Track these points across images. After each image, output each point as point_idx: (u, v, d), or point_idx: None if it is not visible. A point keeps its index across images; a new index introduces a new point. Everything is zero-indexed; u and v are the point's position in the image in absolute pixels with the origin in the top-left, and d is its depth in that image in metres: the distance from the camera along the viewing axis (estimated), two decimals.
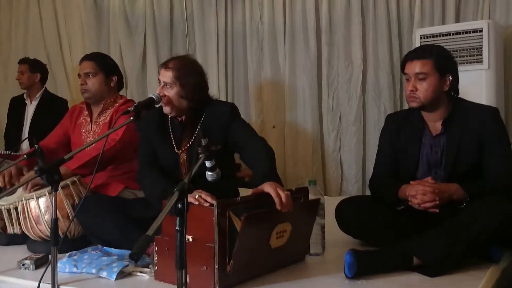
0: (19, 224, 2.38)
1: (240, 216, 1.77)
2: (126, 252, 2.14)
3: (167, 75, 2.21)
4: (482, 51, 3.26)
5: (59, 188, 2.17)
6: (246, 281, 1.86)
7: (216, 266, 1.74)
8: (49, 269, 1.80)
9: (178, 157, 2.28)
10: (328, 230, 2.25)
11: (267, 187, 1.86)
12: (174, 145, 2.30)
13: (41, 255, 2.14)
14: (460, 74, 2.29)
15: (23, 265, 2.08)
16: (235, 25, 4.46)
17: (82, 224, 2.31)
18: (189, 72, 2.23)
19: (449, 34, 3.35)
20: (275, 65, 4.28)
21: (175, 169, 2.29)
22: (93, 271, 1.98)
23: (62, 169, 2.23)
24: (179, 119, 2.30)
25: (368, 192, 2.64)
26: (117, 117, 2.37)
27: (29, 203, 2.31)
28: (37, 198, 2.30)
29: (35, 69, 4.18)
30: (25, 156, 1.99)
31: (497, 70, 3.32)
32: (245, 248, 1.77)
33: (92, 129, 2.78)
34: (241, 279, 1.85)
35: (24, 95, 4.26)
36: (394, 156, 2.38)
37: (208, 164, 1.78)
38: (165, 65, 2.25)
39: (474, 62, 3.29)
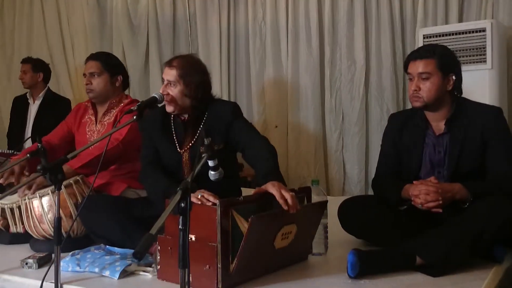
0: (22, 223, 2.38)
1: (243, 216, 1.78)
2: (129, 251, 2.15)
3: (171, 74, 2.22)
4: (485, 51, 3.26)
5: (62, 187, 2.17)
6: (249, 280, 1.86)
7: (218, 266, 1.74)
8: (52, 268, 1.80)
9: (180, 156, 2.28)
10: (330, 230, 2.25)
11: (271, 188, 1.85)
12: (177, 144, 2.30)
13: (44, 254, 2.15)
14: (463, 74, 2.28)
15: (26, 264, 2.08)
16: (238, 25, 4.46)
17: (85, 223, 2.31)
18: (193, 70, 2.23)
19: (452, 34, 3.35)
20: (277, 65, 4.28)
21: (177, 168, 2.29)
22: (96, 270, 1.98)
23: (65, 168, 2.23)
24: (182, 118, 2.30)
25: (370, 192, 2.64)
26: (118, 116, 2.37)
27: (32, 202, 2.32)
28: (40, 197, 2.30)
29: (38, 68, 4.19)
30: (28, 155, 1.98)
31: (500, 70, 3.32)
32: (249, 249, 1.77)
33: (97, 128, 2.78)
34: (244, 278, 1.85)
35: (27, 94, 4.26)
36: (397, 156, 2.37)
37: (211, 163, 1.78)
38: (169, 64, 2.25)
39: (477, 62, 3.28)
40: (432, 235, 1.98)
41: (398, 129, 2.39)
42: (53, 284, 1.79)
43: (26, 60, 4.22)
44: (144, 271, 1.99)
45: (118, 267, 1.95)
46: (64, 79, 4.91)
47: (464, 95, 2.30)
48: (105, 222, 2.23)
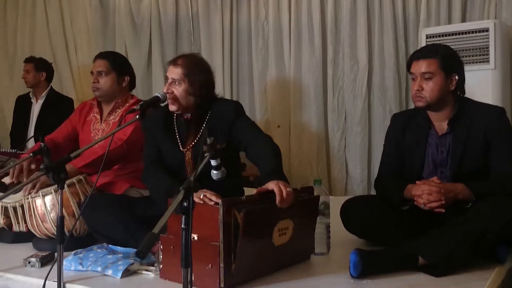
0: (25, 222, 2.38)
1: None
2: (132, 250, 2.15)
3: (175, 72, 2.22)
4: (488, 51, 3.25)
5: (65, 186, 2.18)
6: (251, 280, 1.87)
7: (221, 265, 1.75)
8: (55, 267, 1.81)
9: (183, 155, 2.28)
10: (333, 230, 2.25)
11: (271, 185, 1.86)
12: (179, 143, 2.30)
13: (47, 253, 2.15)
14: (466, 74, 2.28)
15: (29, 262, 2.08)
16: (240, 24, 4.46)
17: (87, 222, 2.31)
18: (197, 69, 2.24)
19: (455, 34, 3.35)
20: (280, 65, 4.28)
21: (180, 167, 2.29)
22: (99, 269, 1.98)
23: (68, 167, 2.23)
24: (185, 117, 2.30)
25: (373, 192, 2.64)
26: (122, 116, 2.38)
27: (35, 201, 2.32)
28: (43, 196, 2.31)
29: (40, 68, 4.20)
30: (31, 154, 1.99)
31: (503, 70, 3.31)
32: (247, 245, 1.77)
33: (102, 127, 2.79)
34: (246, 278, 1.85)
35: (30, 93, 4.28)
36: (399, 156, 2.37)
37: (213, 163, 1.78)
38: (174, 62, 2.25)
39: (480, 62, 3.28)
40: (435, 235, 1.98)
41: (400, 129, 2.39)
42: (56, 283, 1.80)
43: (29, 60, 4.24)
44: (146, 270, 2.00)
45: (120, 266, 1.96)
46: (67, 78, 4.92)
47: (467, 95, 2.30)
48: (107, 221, 2.23)
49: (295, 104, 4.23)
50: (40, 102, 4.20)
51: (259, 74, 4.34)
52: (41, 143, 1.93)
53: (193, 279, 1.38)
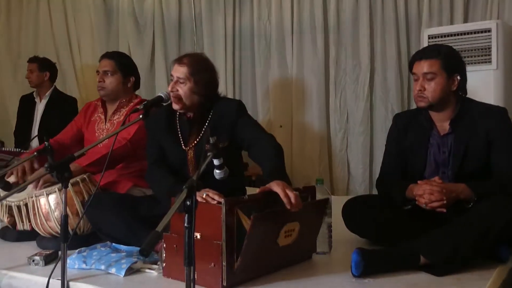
0: (29, 221, 2.40)
1: (248, 215, 1.79)
2: (135, 249, 2.16)
3: (181, 71, 2.22)
4: (490, 51, 3.25)
5: (69, 185, 2.19)
6: (253, 278, 1.87)
7: (223, 263, 1.75)
8: (59, 265, 1.82)
9: (185, 153, 2.29)
10: (335, 229, 2.26)
11: (275, 186, 1.86)
12: (182, 142, 2.31)
13: (50, 252, 2.17)
14: (468, 74, 2.29)
15: (33, 261, 2.10)
16: (243, 25, 4.47)
17: (91, 221, 2.32)
18: (202, 68, 2.25)
19: (458, 34, 3.34)
20: (282, 65, 4.28)
21: (182, 165, 2.30)
22: (102, 267, 1.99)
23: (73, 165, 2.25)
24: (188, 116, 2.31)
25: (375, 192, 2.64)
26: (126, 115, 2.39)
27: (39, 200, 2.34)
28: (47, 195, 2.32)
29: (44, 67, 4.21)
30: (35, 153, 2.00)
31: (505, 71, 3.31)
32: (253, 246, 1.78)
33: (106, 127, 2.80)
34: (248, 276, 1.86)
35: (34, 93, 4.29)
36: (401, 156, 2.38)
37: (216, 162, 1.79)
38: (179, 61, 2.26)
39: (482, 62, 3.27)
40: (436, 235, 1.99)
41: (402, 129, 2.39)
42: (60, 281, 1.81)
43: (33, 59, 4.25)
44: (149, 268, 2.01)
45: (124, 265, 1.97)
46: (71, 78, 4.93)
47: (469, 95, 2.30)
48: (111, 220, 2.24)
49: (297, 104, 4.24)
50: (44, 101, 4.21)
51: (262, 75, 4.35)
52: (45, 142, 1.94)
53: (195, 277, 1.39)
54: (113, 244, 2.24)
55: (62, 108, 4.08)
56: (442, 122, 2.28)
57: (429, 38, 3.42)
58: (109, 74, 2.78)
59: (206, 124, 2.28)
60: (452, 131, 2.25)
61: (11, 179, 2.43)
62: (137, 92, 2.99)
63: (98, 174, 2.41)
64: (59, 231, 2.04)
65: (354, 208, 2.32)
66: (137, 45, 4.74)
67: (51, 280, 1.85)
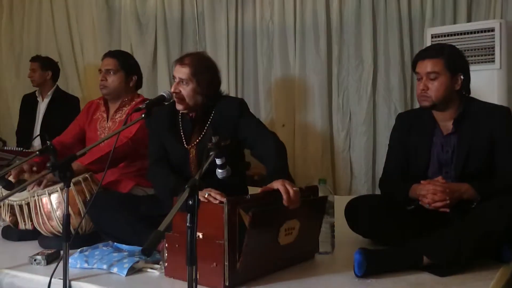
0: (31, 220, 2.40)
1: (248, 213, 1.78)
2: (137, 248, 2.16)
3: (183, 72, 2.22)
4: (493, 50, 3.24)
5: (71, 184, 2.19)
6: (256, 278, 1.87)
7: (225, 263, 1.75)
8: (61, 264, 1.82)
9: (187, 152, 2.29)
10: (337, 229, 2.25)
11: (276, 184, 1.86)
12: (184, 141, 2.30)
13: (52, 251, 2.17)
14: (472, 74, 2.28)
15: (35, 260, 2.10)
16: (245, 24, 4.46)
17: (93, 220, 2.32)
18: (205, 68, 2.24)
19: (461, 34, 3.33)
20: (285, 64, 4.27)
21: (184, 164, 2.30)
22: (104, 267, 1.99)
23: (75, 164, 2.25)
24: (190, 114, 2.31)
25: (378, 192, 2.64)
26: (128, 114, 2.39)
27: (41, 199, 2.34)
28: (49, 194, 2.32)
29: (46, 67, 4.22)
30: (37, 152, 2.00)
31: (508, 70, 3.30)
32: (253, 244, 1.78)
33: (108, 125, 2.80)
34: (251, 276, 1.86)
35: (36, 92, 4.29)
36: (404, 156, 2.37)
37: (218, 161, 1.78)
38: (180, 61, 2.25)
39: (485, 62, 3.27)
40: (440, 235, 1.98)
41: (406, 129, 2.39)
42: (62, 281, 1.81)
43: (35, 59, 4.25)
44: (151, 268, 2.01)
45: (126, 264, 1.97)
46: (73, 77, 4.93)
47: (473, 95, 2.29)
48: (113, 220, 2.24)
49: (300, 104, 4.23)
50: (46, 100, 4.22)
51: (264, 74, 4.34)
52: (47, 142, 1.94)
53: (198, 277, 1.38)
54: (115, 243, 2.24)
55: (64, 107, 4.09)
56: (445, 122, 2.27)
57: (432, 37, 3.41)
58: (111, 73, 2.78)
59: (208, 123, 2.27)
60: (455, 131, 2.24)
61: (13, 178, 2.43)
62: (139, 91, 2.99)
63: (100, 173, 2.41)
64: (61, 231, 2.04)
65: (357, 208, 2.31)
66: (139, 44, 4.74)
67: (53, 279, 1.85)
